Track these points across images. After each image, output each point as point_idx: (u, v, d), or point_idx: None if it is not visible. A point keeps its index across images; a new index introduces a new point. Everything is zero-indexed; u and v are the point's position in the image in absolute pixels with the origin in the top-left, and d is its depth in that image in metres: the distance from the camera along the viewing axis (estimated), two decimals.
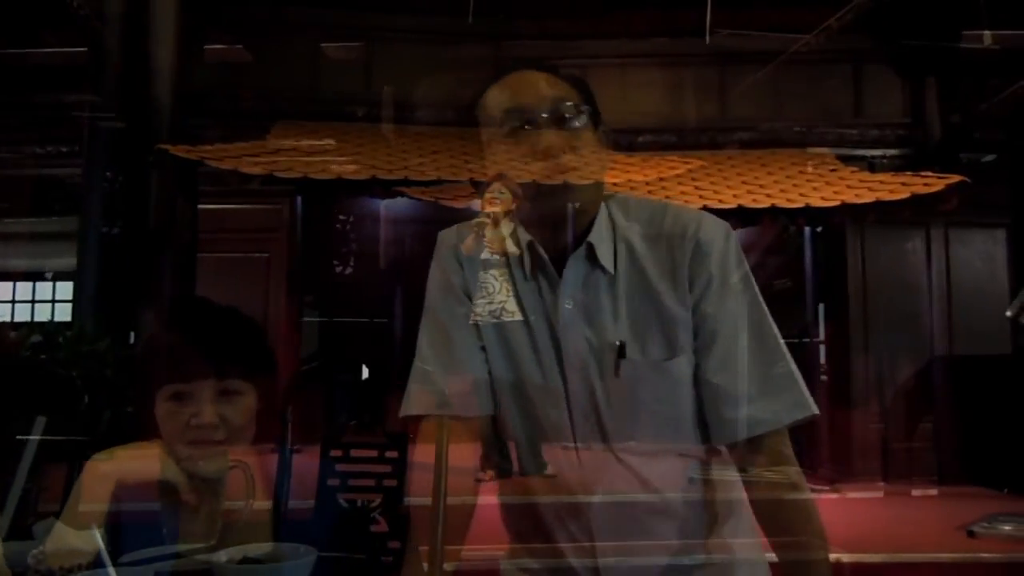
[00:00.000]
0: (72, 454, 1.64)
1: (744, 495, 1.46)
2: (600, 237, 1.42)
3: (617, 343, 1.39)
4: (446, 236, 1.55)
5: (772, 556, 1.40)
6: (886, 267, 6.99)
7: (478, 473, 1.47)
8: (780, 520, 1.37)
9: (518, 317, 1.42)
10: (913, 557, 3.77)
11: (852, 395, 6.77)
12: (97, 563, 1.29)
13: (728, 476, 1.46)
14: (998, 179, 6.86)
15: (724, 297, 1.38)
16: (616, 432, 1.41)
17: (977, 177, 6.02)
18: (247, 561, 1.25)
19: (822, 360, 7.30)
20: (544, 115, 1.37)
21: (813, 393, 1.40)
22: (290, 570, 1.22)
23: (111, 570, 1.24)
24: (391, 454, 1.45)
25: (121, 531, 1.38)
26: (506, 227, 1.38)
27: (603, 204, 1.46)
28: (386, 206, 7.24)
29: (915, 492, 5.98)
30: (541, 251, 1.42)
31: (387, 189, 5.89)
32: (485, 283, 1.43)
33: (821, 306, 7.39)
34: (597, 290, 1.41)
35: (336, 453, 1.44)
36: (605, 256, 1.41)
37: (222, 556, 1.23)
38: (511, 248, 1.39)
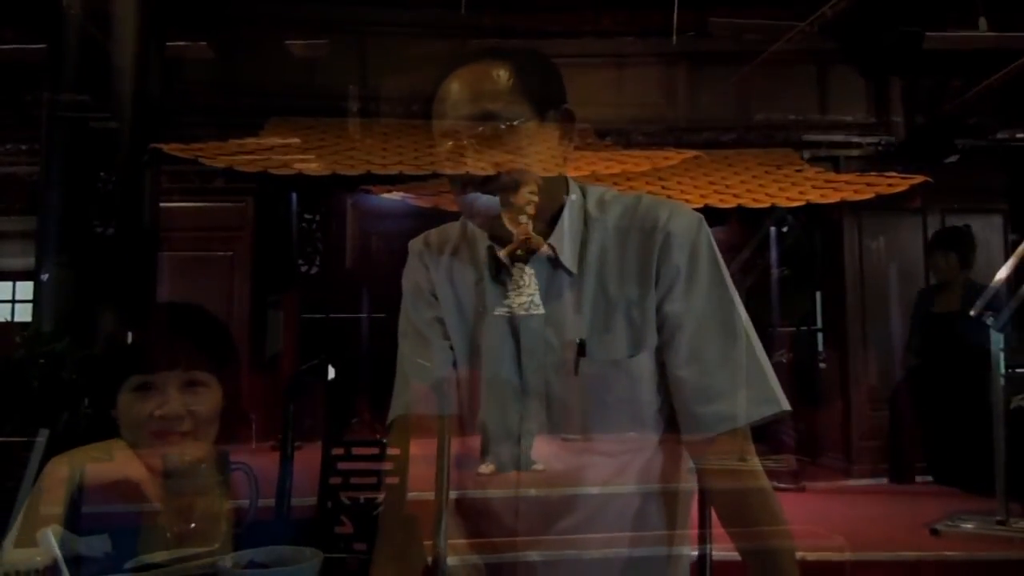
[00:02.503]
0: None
1: (692, 487, 1.49)
2: (563, 235, 1.41)
3: (577, 341, 1.38)
4: (414, 244, 1.58)
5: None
6: (883, 254, 7.02)
7: (480, 467, 1.46)
8: (743, 514, 1.37)
9: (541, 311, 1.40)
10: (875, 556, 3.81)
11: (849, 383, 6.78)
12: (54, 567, 1.26)
13: (679, 468, 1.47)
14: (994, 165, 6.92)
15: (692, 290, 1.38)
16: (574, 430, 1.41)
17: (973, 162, 6.07)
18: (253, 565, 1.24)
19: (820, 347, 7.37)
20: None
21: (812, 380, 1.40)
22: (296, 574, 1.21)
23: (65, 571, 1.21)
24: (393, 451, 1.45)
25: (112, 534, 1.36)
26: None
27: (573, 196, 1.45)
28: (352, 204, 7.22)
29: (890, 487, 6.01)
30: (500, 254, 1.42)
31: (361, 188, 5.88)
32: (518, 278, 1.41)
33: (818, 294, 7.45)
34: (559, 289, 1.42)
35: (338, 451, 1.45)
36: (568, 256, 1.41)
37: (227, 561, 1.23)
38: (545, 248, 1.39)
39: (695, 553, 1.55)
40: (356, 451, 1.49)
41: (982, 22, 5.95)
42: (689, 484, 1.50)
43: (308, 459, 1.67)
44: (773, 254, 6.32)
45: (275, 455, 1.60)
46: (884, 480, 6.16)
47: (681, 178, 6.32)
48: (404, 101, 6.82)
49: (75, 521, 1.39)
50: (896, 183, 5.85)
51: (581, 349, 1.38)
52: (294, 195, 7.12)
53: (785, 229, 6.37)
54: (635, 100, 7.38)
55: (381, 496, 1.45)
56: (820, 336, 7.47)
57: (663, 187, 6.09)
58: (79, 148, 5.60)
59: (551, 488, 1.42)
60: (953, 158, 6.75)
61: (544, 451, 1.42)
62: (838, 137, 7.32)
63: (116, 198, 5.57)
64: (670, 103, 7.43)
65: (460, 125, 1.34)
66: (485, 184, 1.36)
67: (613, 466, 1.43)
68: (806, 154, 7.06)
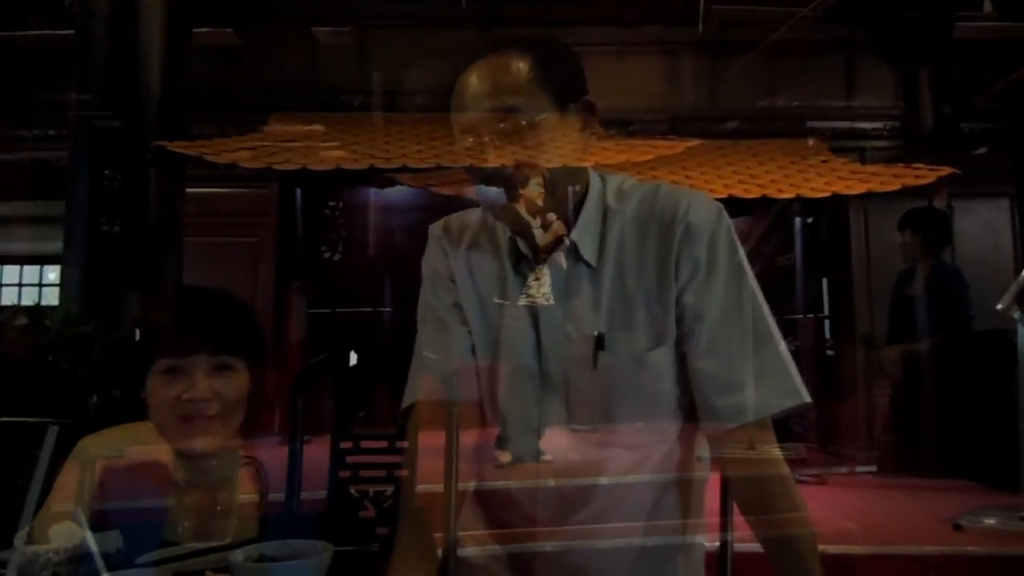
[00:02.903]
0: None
1: (706, 476, 1.50)
2: (585, 228, 1.41)
3: (596, 335, 1.38)
4: (434, 229, 1.58)
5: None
6: (889, 240, 6.95)
7: (496, 456, 1.47)
8: (764, 505, 1.36)
9: (552, 302, 1.40)
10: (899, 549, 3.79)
11: (856, 373, 6.72)
12: (83, 547, 1.28)
13: (694, 465, 1.47)
14: (1002, 148, 6.83)
15: (712, 282, 1.37)
16: (593, 422, 1.41)
17: (980, 145, 6.00)
18: (264, 559, 1.24)
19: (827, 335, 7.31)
20: (491, 133, 1.33)
21: (819, 368, 1.39)
22: (308, 567, 1.21)
23: (97, 555, 1.22)
24: (402, 444, 1.45)
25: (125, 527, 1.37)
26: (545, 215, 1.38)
27: (593, 187, 1.45)
28: (376, 193, 7.22)
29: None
30: (522, 247, 1.43)
31: (386, 178, 5.87)
32: (539, 271, 1.42)
33: (824, 281, 7.39)
34: (579, 283, 1.41)
35: (346, 445, 1.45)
36: (588, 250, 1.40)
37: (239, 555, 1.23)
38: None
39: (710, 543, 1.55)
40: (364, 444, 1.49)
41: (987, 3, 5.87)
42: (704, 474, 1.50)
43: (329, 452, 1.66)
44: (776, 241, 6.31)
45: (319, 445, 1.61)
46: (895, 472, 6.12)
47: (705, 168, 6.28)
48: (408, 95, 6.85)
49: (103, 501, 1.41)
50: (923, 174, 5.78)
51: (600, 342, 1.38)
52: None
53: (810, 220, 6.33)
54: (656, 90, 7.34)
55: (390, 489, 1.45)
56: (827, 324, 7.39)
57: (687, 176, 6.06)
58: (103, 136, 5.65)
59: (569, 479, 1.42)
60: (982, 150, 6.68)
61: (562, 443, 1.42)
62: (864, 127, 7.26)
63: (122, 195, 5.61)
64: (693, 93, 7.39)
65: (481, 120, 1.33)
66: (495, 178, 1.36)
67: (632, 458, 1.42)
68: (832, 144, 6.99)
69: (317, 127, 6.38)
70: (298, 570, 1.21)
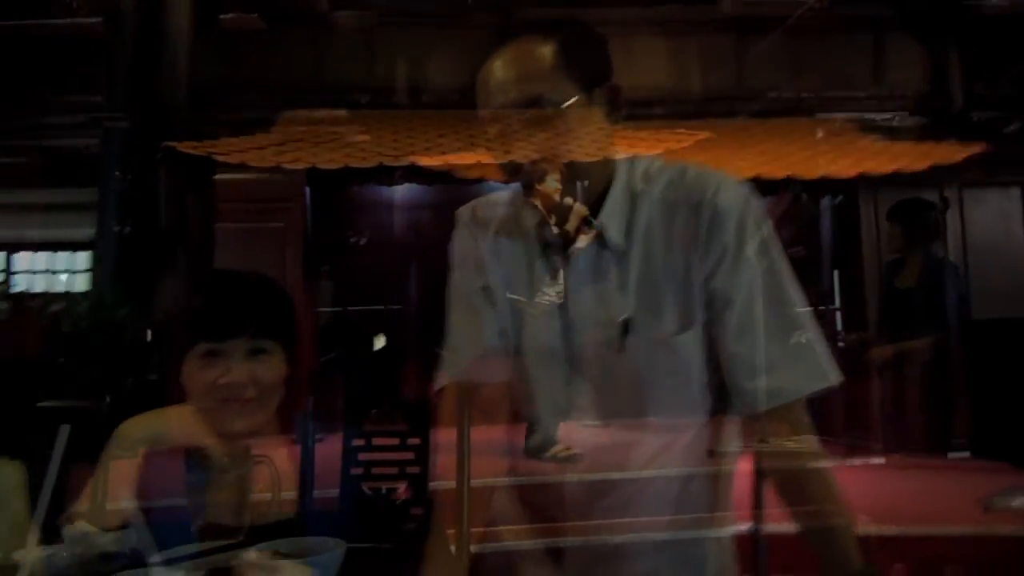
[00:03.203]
0: (92, 454, 1.65)
1: (736, 458, 1.49)
2: (612, 213, 1.41)
3: (623, 320, 1.38)
4: (462, 213, 1.59)
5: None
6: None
7: (555, 449, 1.48)
8: (802, 491, 1.36)
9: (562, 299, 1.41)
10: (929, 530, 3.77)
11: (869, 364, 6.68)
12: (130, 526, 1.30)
13: (723, 450, 1.47)
14: (1013, 137, 6.75)
15: (740, 265, 1.36)
16: (622, 407, 1.42)
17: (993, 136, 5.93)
18: (276, 556, 1.25)
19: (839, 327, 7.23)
20: (518, 123, 1.33)
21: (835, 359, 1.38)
22: (320, 564, 1.22)
23: (144, 532, 1.24)
24: (414, 441, 1.46)
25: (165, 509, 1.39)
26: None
27: (620, 170, 1.44)
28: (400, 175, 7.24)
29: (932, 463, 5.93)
30: (548, 235, 1.43)
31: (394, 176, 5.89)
32: (557, 264, 1.43)
33: (836, 273, 7.32)
34: (607, 268, 1.41)
35: (359, 442, 1.46)
36: (616, 235, 1.40)
37: (251, 554, 1.24)
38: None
39: (743, 525, 1.55)
40: (376, 442, 1.50)
41: None
42: (734, 456, 1.50)
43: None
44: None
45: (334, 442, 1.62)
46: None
47: (732, 148, 6.24)
48: (413, 92, 6.82)
49: (143, 484, 1.43)
50: (953, 151, 5.71)
51: (627, 327, 1.38)
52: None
53: (839, 199, 6.26)
54: (679, 71, 7.27)
55: (402, 486, 1.47)
56: (839, 316, 7.32)
57: (714, 157, 6.02)
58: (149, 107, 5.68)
59: (597, 464, 1.43)
60: (1014, 126, 6.59)
61: (589, 427, 1.43)
62: (892, 105, 7.17)
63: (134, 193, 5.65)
64: (716, 73, 7.32)
65: (506, 110, 1.33)
66: (513, 173, 1.37)
67: (660, 442, 1.43)
68: (859, 123, 6.92)
69: (331, 127, 6.39)
70: (310, 568, 1.21)
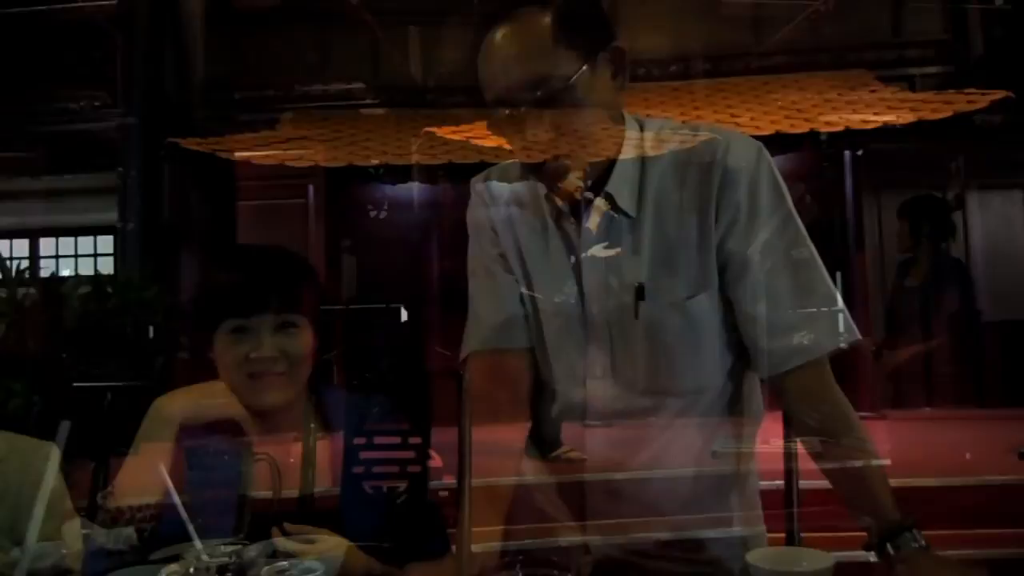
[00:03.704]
0: (97, 451, 1.67)
1: (757, 417, 1.50)
2: (622, 180, 1.39)
3: (636, 286, 1.38)
4: (475, 182, 1.58)
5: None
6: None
7: (561, 450, 1.51)
8: (834, 450, 1.35)
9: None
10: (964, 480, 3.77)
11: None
12: (165, 502, 1.32)
13: (743, 400, 1.47)
14: (1015, 139, 6.65)
15: (754, 226, 1.35)
16: (639, 371, 1.42)
17: (993, 139, 5.85)
18: (276, 555, 1.26)
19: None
20: (525, 96, 1.29)
21: (833, 362, 1.37)
22: (323, 562, 1.23)
23: (180, 506, 1.26)
24: (414, 440, 1.47)
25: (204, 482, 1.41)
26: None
27: (630, 136, 1.42)
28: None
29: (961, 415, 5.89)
30: (559, 202, 1.42)
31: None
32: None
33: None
34: (619, 233, 1.40)
35: (360, 441, 1.47)
36: (626, 200, 1.38)
37: (251, 551, 1.25)
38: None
39: (776, 481, 1.56)
40: (378, 440, 1.50)
41: None
42: (756, 415, 1.51)
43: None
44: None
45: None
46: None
47: (751, 105, 6.19)
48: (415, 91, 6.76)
49: (180, 459, 1.45)
50: (975, 99, 5.62)
51: (640, 292, 1.37)
52: None
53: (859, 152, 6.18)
54: (697, 28, 7.19)
55: (403, 485, 1.47)
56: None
57: (732, 115, 5.98)
58: (155, 102, 5.71)
59: (616, 429, 1.44)
60: None
61: (608, 391, 1.43)
62: (912, 54, 7.07)
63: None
64: (734, 28, 7.23)
65: (513, 91, 1.30)
66: (536, 171, 1.37)
67: (679, 404, 1.43)
68: (880, 73, 6.82)
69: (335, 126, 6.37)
70: (312, 565, 1.21)
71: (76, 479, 1.60)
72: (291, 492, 1.47)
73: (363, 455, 1.45)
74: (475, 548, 1.11)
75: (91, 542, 1.39)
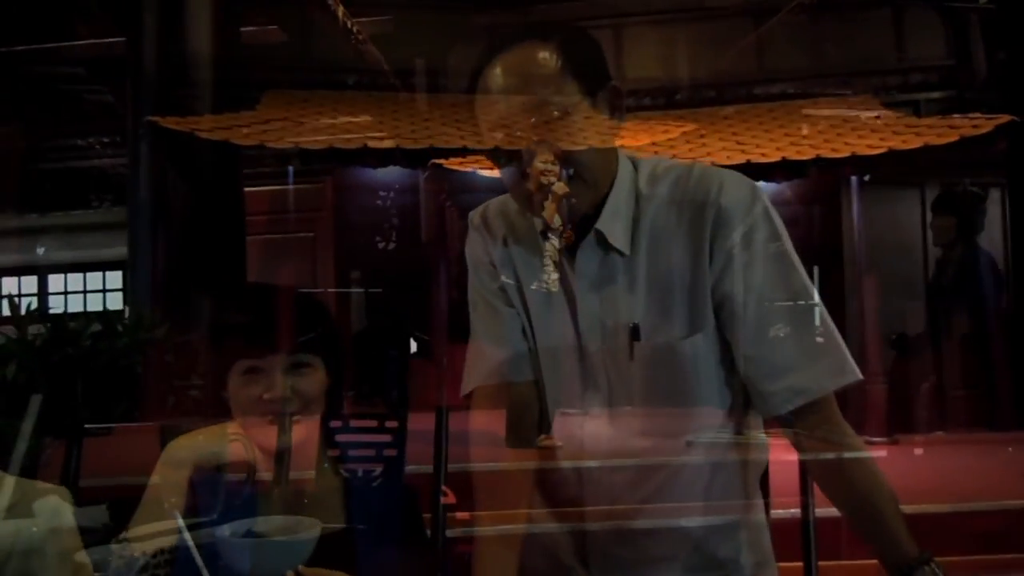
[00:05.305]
0: (71, 432, 1.68)
1: (761, 457, 1.50)
2: (614, 215, 1.38)
3: (631, 325, 1.37)
4: (473, 216, 1.58)
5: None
6: (882, 229, 6.84)
7: (540, 439, 1.48)
8: (842, 481, 1.35)
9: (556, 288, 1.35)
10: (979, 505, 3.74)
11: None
12: (180, 547, 1.31)
13: (747, 448, 1.46)
14: (993, 138, 6.65)
15: (750, 265, 1.33)
16: (634, 411, 1.40)
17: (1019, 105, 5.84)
18: (251, 535, 1.25)
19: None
20: (523, 128, 1.30)
21: None
22: (295, 544, 1.22)
23: (195, 552, 1.25)
24: (391, 424, 1.48)
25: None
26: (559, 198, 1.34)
27: (623, 173, 1.41)
28: (425, 178, 7.25)
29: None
30: (537, 223, 1.39)
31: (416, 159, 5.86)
32: (546, 252, 1.36)
33: (816, 269, 7.18)
34: (613, 272, 1.39)
35: (336, 424, 1.48)
36: (619, 238, 1.37)
37: (226, 530, 1.24)
38: (558, 223, 1.33)
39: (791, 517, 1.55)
40: (354, 424, 1.52)
41: None
42: (760, 455, 1.50)
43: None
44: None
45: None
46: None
47: (756, 132, 6.21)
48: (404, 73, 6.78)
49: (195, 503, 1.44)
50: (981, 124, 5.63)
51: (635, 332, 1.36)
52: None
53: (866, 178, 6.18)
54: (699, 56, 7.23)
55: (379, 469, 1.47)
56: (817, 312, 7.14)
57: (737, 142, 5.99)
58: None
59: (612, 467, 1.43)
60: None
61: (605, 430, 1.42)
62: (916, 79, 7.09)
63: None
64: (737, 56, 7.26)
65: (513, 115, 1.30)
66: (510, 160, 1.34)
67: (674, 444, 1.41)
68: (884, 99, 6.85)
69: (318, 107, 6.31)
70: (285, 546, 1.22)
71: (50, 458, 1.59)
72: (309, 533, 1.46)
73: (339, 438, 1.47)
74: (449, 534, 1.11)
75: None
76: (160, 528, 1.37)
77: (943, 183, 6.74)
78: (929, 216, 6.52)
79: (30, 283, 8.96)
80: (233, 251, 5.87)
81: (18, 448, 1.14)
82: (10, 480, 1.42)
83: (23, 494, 1.57)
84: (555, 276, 1.32)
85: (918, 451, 5.11)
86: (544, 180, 1.29)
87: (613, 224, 1.37)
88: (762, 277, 1.33)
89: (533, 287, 1.42)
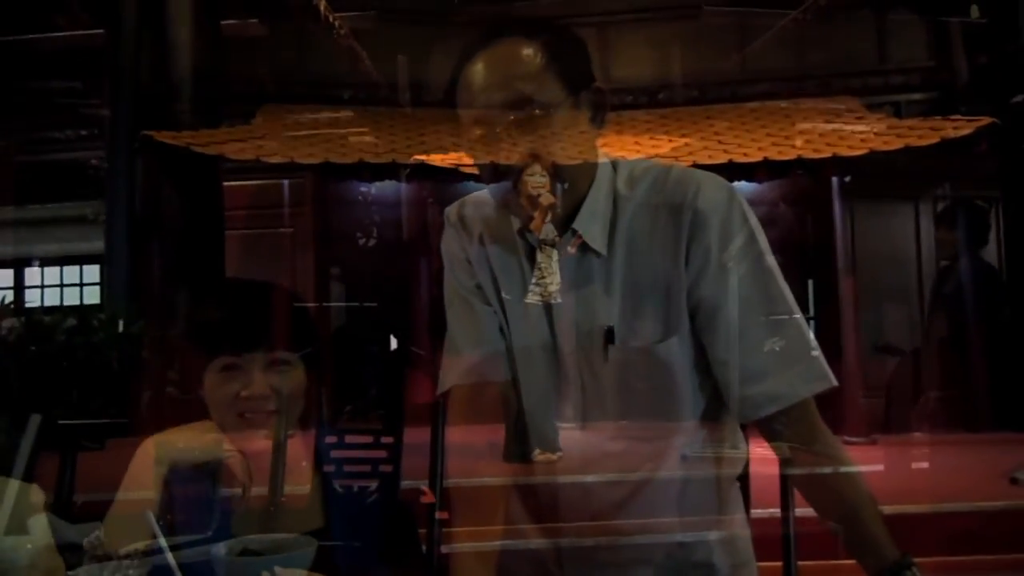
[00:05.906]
0: (65, 443, 1.64)
1: (739, 462, 1.49)
2: (591, 217, 1.36)
3: (606, 328, 1.35)
4: (449, 212, 1.55)
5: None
6: (875, 242, 6.88)
7: (534, 453, 1.46)
8: (827, 493, 1.34)
9: (559, 300, 1.36)
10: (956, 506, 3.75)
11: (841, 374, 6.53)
12: (154, 546, 1.28)
13: (722, 452, 1.44)
14: (986, 151, 6.69)
15: (724, 269, 1.32)
16: (609, 415, 1.39)
17: (965, 150, 5.90)
18: (247, 553, 1.23)
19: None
20: (504, 125, 1.28)
21: None
22: (290, 561, 1.20)
23: (168, 553, 1.22)
24: (387, 440, 1.46)
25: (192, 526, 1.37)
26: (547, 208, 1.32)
27: (602, 174, 1.40)
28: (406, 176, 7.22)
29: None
30: (531, 239, 1.38)
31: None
32: (540, 264, 1.37)
33: (810, 282, 7.26)
34: (589, 273, 1.38)
35: (331, 439, 1.45)
36: (596, 239, 1.36)
37: (221, 549, 1.21)
38: (550, 233, 1.34)
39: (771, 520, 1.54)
40: (349, 439, 1.49)
41: (974, 9, 5.75)
42: (738, 459, 1.49)
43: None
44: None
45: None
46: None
47: (738, 132, 6.22)
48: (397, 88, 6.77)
49: (167, 502, 1.42)
50: (961, 126, 5.66)
51: (610, 335, 1.35)
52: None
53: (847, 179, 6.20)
54: (684, 56, 7.22)
55: (374, 484, 1.45)
56: (813, 324, 7.18)
57: (719, 141, 6.01)
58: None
59: (587, 472, 1.41)
60: (1020, 97, 6.52)
61: (578, 434, 1.41)
62: (898, 81, 7.13)
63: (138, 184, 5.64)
64: (722, 56, 7.28)
65: (492, 112, 1.29)
66: (505, 173, 1.32)
67: (650, 449, 1.40)
68: (866, 100, 6.87)
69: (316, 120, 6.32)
70: (281, 564, 1.19)
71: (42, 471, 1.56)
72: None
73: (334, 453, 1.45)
74: (444, 549, 1.10)
75: None
76: (134, 527, 1.34)
77: (935, 197, 6.78)
78: (923, 229, 6.61)
79: (6, 276, 8.87)
80: (212, 246, 5.82)
81: (18, 465, 1.11)
82: None
83: None
84: (556, 287, 1.33)
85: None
86: (534, 193, 1.28)
87: (591, 225, 1.36)
88: (738, 281, 1.32)
89: (531, 299, 1.38)
